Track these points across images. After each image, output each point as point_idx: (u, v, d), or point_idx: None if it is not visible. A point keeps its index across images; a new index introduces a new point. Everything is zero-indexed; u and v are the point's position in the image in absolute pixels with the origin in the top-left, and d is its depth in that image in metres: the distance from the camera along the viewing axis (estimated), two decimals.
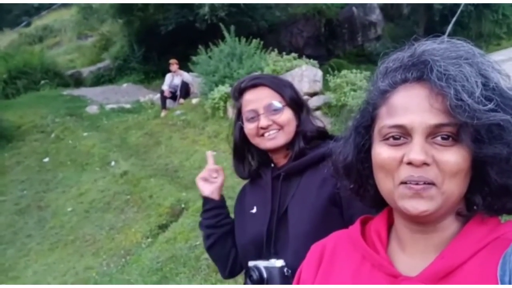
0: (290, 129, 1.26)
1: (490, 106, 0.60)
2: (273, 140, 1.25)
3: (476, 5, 12.47)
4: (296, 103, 1.29)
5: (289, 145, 1.26)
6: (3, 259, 5.43)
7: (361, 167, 0.75)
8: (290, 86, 1.32)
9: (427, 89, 0.64)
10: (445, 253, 0.66)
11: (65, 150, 7.92)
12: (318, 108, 5.92)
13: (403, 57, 0.69)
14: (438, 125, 0.63)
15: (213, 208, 1.41)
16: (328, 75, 6.49)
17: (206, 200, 1.42)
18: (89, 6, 13.80)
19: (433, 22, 12.31)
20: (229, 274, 1.42)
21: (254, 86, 1.28)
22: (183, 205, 5.19)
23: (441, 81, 0.62)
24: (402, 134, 0.66)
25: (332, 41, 13.72)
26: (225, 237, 1.40)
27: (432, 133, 0.63)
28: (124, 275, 4.39)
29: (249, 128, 1.27)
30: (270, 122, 1.24)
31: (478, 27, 13.26)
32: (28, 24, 16.48)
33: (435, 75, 0.63)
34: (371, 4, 13.94)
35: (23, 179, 7.32)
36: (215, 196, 1.42)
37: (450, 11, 11.53)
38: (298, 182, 1.24)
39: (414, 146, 0.64)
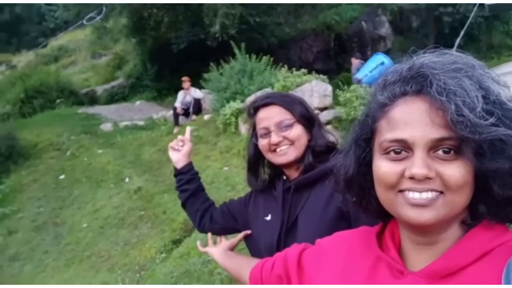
0: (301, 144, 1.32)
1: (492, 120, 0.60)
2: (284, 155, 1.31)
3: (486, 17, 12.48)
4: (307, 119, 1.35)
5: (300, 159, 1.32)
6: (21, 275, 5.53)
7: (362, 180, 0.75)
8: (301, 103, 1.38)
9: (427, 103, 0.64)
10: (450, 253, 0.66)
11: (81, 167, 8.07)
12: (328, 123, 5.96)
13: (402, 69, 0.69)
14: (439, 139, 0.62)
15: (176, 175, 1.64)
16: (338, 89, 6.54)
17: (174, 168, 1.65)
18: (103, 26, 14.14)
19: (443, 34, 12.35)
20: (198, 227, 1.64)
21: (266, 104, 1.36)
22: None
23: (441, 96, 0.61)
24: (403, 148, 0.65)
25: (341, 55, 13.81)
26: (191, 201, 1.63)
27: (433, 147, 0.63)
28: None
29: (262, 144, 1.35)
30: (280, 138, 1.30)
31: (489, 39, 13.24)
32: (45, 45, 16.96)
33: (434, 89, 0.62)
34: (380, 18, 14.03)
35: (40, 196, 7.47)
36: (182, 163, 1.62)
37: (460, 23, 11.55)
38: (308, 195, 1.29)
39: (416, 160, 0.63)
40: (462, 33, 5.46)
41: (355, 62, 9.82)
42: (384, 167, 0.67)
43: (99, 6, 12.05)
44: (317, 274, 0.85)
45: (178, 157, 1.63)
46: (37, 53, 18.17)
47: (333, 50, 13.90)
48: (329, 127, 5.87)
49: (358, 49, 14.15)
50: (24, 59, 17.93)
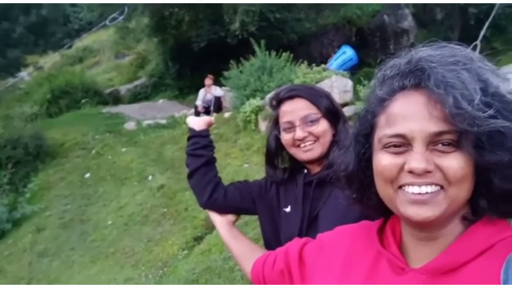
0: (326, 140, 1.28)
1: (490, 112, 0.59)
2: (309, 152, 1.28)
3: None
4: (333, 114, 1.30)
5: (324, 155, 1.28)
6: (49, 270, 5.70)
7: (362, 176, 0.75)
8: (327, 96, 1.34)
9: (425, 96, 0.64)
10: (451, 249, 0.66)
11: (105, 166, 8.24)
12: (349, 118, 5.90)
13: (400, 64, 0.69)
14: (438, 133, 0.62)
15: (192, 137, 1.49)
16: (358, 85, 6.47)
17: (189, 130, 1.51)
18: (125, 27, 14.38)
19: (468, 26, 12.01)
20: (207, 200, 1.45)
21: (291, 97, 1.30)
22: None
23: (439, 89, 0.61)
24: (403, 143, 0.65)
25: (363, 50, 13.61)
26: (204, 169, 1.45)
27: (432, 141, 0.63)
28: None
29: (286, 139, 1.30)
30: (306, 133, 1.26)
31: None
32: (70, 46, 17.39)
33: (432, 83, 0.62)
34: (403, 11, 13.77)
35: (67, 194, 7.67)
36: (200, 127, 1.50)
37: (486, 14, 11.19)
38: (329, 191, 1.25)
39: (415, 155, 0.63)
40: (487, 24, 5.30)
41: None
42: (384, 161, 0.67)
43: (121, 6, 12.24)
44: (317, 267, 0.85)
45: (197, 120, 1.52)
46: (62, 54, 18.58)
47: (355, 44, 13.69)
48: (350, 123, 5.81)
49: (381, 43, 13.93)
50: (50, 60, 18.38)
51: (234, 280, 4.05)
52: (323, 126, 1.28)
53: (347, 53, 9.82)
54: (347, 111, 6.12)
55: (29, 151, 8.63)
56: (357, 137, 0.75)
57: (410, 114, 0.64)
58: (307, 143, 1.27)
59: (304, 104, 1.29)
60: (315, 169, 1.32)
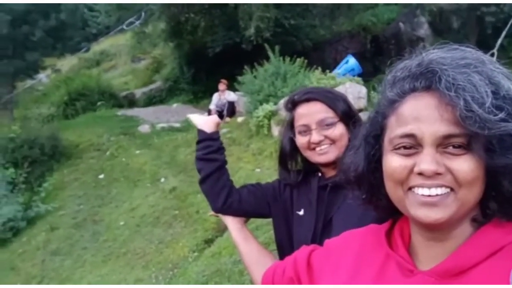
0: (342, 144, 1.26)
1: (501, 115, 0.59)
2: (324, 155, 1.26)
3: None
4: (349, 117, 1.28)
5: (339, 158, 1.25)
6: (61, 269, 5.78)
7: (372, 177, 0.75)
8: (344, 99, 1.33)
9: (436, 98, 0.63)
10: (460, 251, 0.66)
11: (119, 167, 8.33)
12: None
13: (411, 66, 0.68)
14: (449, 135, 0.62)
15: (203, 140, 1.43)
16: (372, 91, 6.46)
17: (199, 132, 1.45)
18: (142, 31, 14.56)
19: (485, 35, 11.88)
20: (222, 206, 1.41)
21: (307, 100, 1.29)
22: None
23: (450, 92, 0.61)
24: (413, 144, 0.65)
25: (378, 57, 13.55)
26: (217, 174, 1.41)
27: (442, 143, 0.63)
28: None
29: (301, 142, 1.29)
30: (322, 137, 1.25)
31: None
32: (87, 50, 17.68)
33: (443, 85, 0.62)
34: (418, 19, 13.69)
35: (80, 194, 7.77)
36: (211, 128, 1.44)
37: (503, 23, 11.05)
38: (343, 196, 1.21)
39: (425, 157, 0.63)
40: (504, 33, 5.24)
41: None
42: (394, 162, 0.67)
43: (138, 11, 12.41)
44: (326, 272, 0.85)
45: (205, 121, 1.47)
46: (80, 57, 18.85)
47: (370, 52, 13.66)
48: None
49: (396, 51, 13.87)
50: (68, 63, 18.67)
51: (243, 283, 4.05)
52: (339, 130, 1.26)
53: (349, 63, 9.88)
54: (362, 117, 6.11)
55: (45, 151, 8.78)
56: (367, 138, 0.75)
57: (420, 115, 0.64)
58: (322, 146, 1.26)
59: (320, 107, 1.27)
60: (330, 172, 1.30)
